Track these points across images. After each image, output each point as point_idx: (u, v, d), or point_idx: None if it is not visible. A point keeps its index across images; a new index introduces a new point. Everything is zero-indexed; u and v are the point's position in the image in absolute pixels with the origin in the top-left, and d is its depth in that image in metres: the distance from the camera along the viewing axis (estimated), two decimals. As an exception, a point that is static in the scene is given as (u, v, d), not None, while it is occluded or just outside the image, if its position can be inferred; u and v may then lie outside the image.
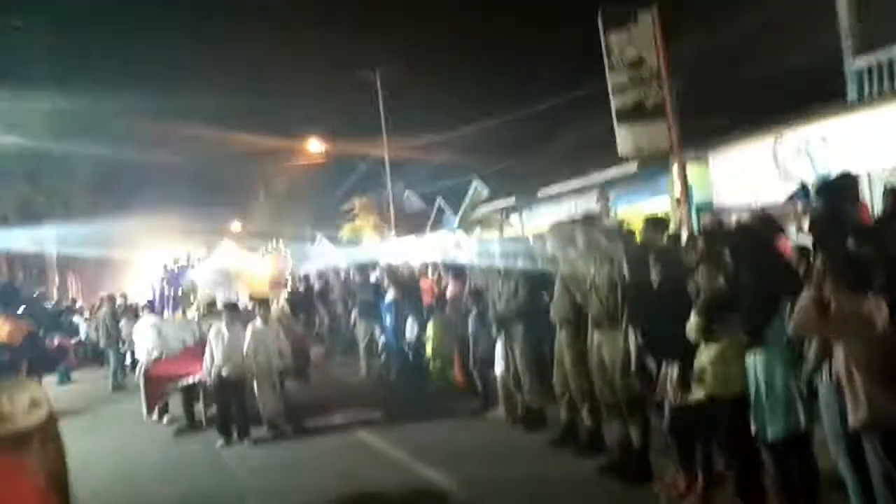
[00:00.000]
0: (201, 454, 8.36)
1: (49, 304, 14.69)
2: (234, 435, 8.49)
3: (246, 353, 8.63)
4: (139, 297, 16.07)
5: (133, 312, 13.69)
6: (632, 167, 14.07)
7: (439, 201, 25.93)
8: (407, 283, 12.54)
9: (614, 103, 12.51)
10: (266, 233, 34.72)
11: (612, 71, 12.49)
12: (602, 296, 5.85)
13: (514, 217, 19.71)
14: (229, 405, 8.54)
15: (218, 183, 37.20)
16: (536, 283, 7.94)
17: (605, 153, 14.90)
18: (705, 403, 4.74)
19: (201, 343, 9.42)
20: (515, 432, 7.75)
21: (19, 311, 7.03)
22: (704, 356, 4.68)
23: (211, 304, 10.99)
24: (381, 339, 12.57)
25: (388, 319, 12.35)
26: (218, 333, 8.67)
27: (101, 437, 9.48)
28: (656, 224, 6.55)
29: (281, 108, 34.18)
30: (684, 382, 4.91)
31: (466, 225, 22.37)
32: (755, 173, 11.94)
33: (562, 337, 6.58)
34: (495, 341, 8.36)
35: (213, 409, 9.10)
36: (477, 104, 23.58)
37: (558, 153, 18.74)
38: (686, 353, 4.84)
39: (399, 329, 11.83)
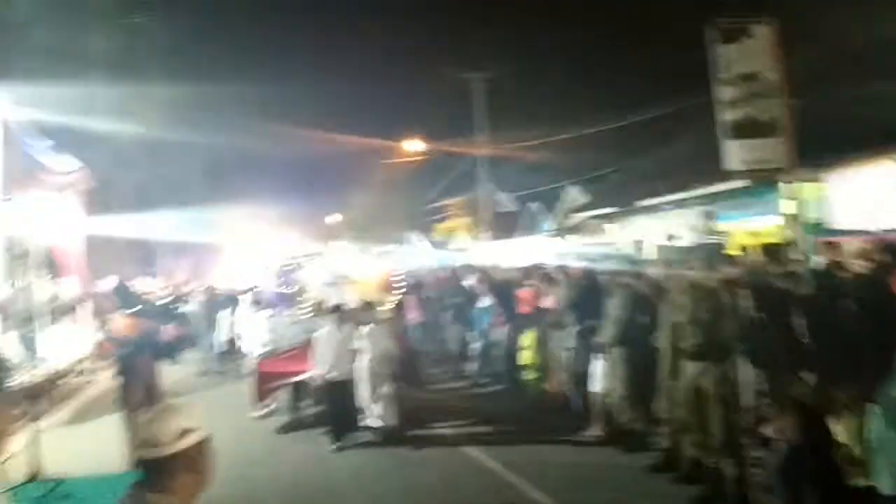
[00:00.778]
0: (304, 452, 8.48)
1: (160, 295, 15.33)
2: (340, 436, 8.54)
3: (355, 356, 8.73)
4: (241, 285, 16.74)
5: (235, 301, 14.29)
6: (738, 183, 13.64)
7: (534, 205, 25.86)
8: (503, 289, 12.58)
9: (723, 117, 12.19)
10: (361, 229, 35.59)
11: (721, 84, 12.17)
12: (710, 326, 5.74)
13: (610, 226, 19.43)
14: (336, 406, 8.63)
15: (318, 178, 38.21)
16: (642, 304, 7.88)
17: (709, 167, 14.54)
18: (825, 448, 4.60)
19: (311, 342, 9.54)
20: (611, 452, 7.68)
21: (134, 308, 7.41)
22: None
23: (321, 304, 11.20)
24: (474, 345, 12.66)
25: (481, 325, 12.45)
26: (328, 334, 8.79)
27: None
28: (774, 252, 6.39)
29: (382, 107, 34.81)
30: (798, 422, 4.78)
31: (561, 231, 22.23)
32: (875, 196, 11.37)
33: (668, 364, 6.49)
34: (595, 358, 8.32)
35: (319, 409, 9.25)
36: (577, 110, 23.34)
37: (660, 164, 18.35)
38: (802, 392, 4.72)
39: (492, 335, 11.91)
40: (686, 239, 13.34)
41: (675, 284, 6.50)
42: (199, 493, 2.34)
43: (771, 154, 11.92)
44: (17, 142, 12.25)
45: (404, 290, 15.45)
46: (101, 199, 18.52)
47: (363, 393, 8.74)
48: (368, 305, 9.52)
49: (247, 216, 33.01)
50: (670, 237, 12.75)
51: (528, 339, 11.08)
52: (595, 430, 8.21)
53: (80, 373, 13.74)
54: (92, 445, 7.93)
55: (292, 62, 37.45)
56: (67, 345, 13.94)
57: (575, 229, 21.13)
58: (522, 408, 10.14)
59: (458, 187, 30.83)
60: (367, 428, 8.71)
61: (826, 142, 12.40)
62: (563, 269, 11.60)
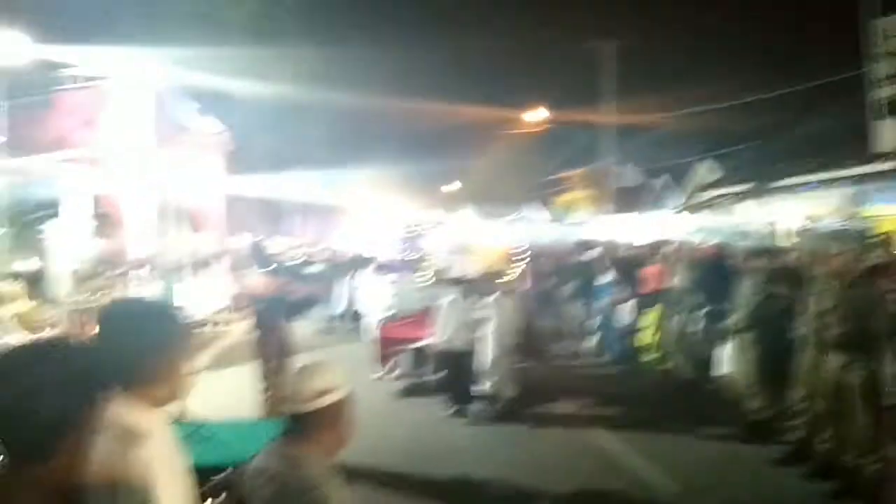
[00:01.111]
0: (421, 416, 8.62)
1: (292, 255, 15.96)
2: (457, 404, 8.55)
3: (477, 326, 8.67)
4: (365, 249, 17.22)
5: (359, 264, 14.72)
6: (890, 164, 12.64)
7: (660, 180, 25.01)
8: (625, 266, 12.27)
9: (876, 95, 11.29)
10: (479, 199, 35.66)
11: (875, 60, 11.24)
12: (858, 317, 5.37)
13: (745, 205, 18.49)
14: (455, 375, 8.62)
15: (438, 146, 38.55)
16: (777, 288, 7.49)
17: (857, 147, 13.56)
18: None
19: (433, 308, 9.56)
20: (737, 441, 7.37)
21: (270, 268, 7.71)
22: None
23: (443, 272, 11.30)
24: (594, 322, 12.47)
25: (603, 301, 12.22)
26: (451, 303, 8.75)
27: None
28: None
29: (509, 76, 34.54)
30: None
31: (689, 208, 21.38)
32: None
33: (809, 354, 6.13)
34: (723, 342, 8.01)
35: (438, 376, 9.24)
36: (714, 82, 22.24)
37: (804, 142, 17.24)
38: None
39: (612, 314, 11.67)
40: (828, 223, 12.51)
41: (819, 270, 6.09)
42: (340, 449, 2.44)
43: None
44: (167, 104, 13.09)
45: (526, 262, 15.31)
46: (237, 161, 19.51)
47: (483, 363, 8.65)
48: (491, 276, 9.40)
49: (369, 181, 33.89)
50: (810, 219, 11.99)
51: (649, 318, 10.81)
52: (722, 416, 7.91)
53: (216, 323, 14.65)
54: (228, 393, 8.44)
55: (420, 30, 37.68)
56: (205, 297, 14.88)
57: (704, 206, 20.25)
58: (642, 389, 9.89)
59: (579, 159, 30.25)
60: (485, 398, 8.63)
61: None
62: (690, 247, 11.18)
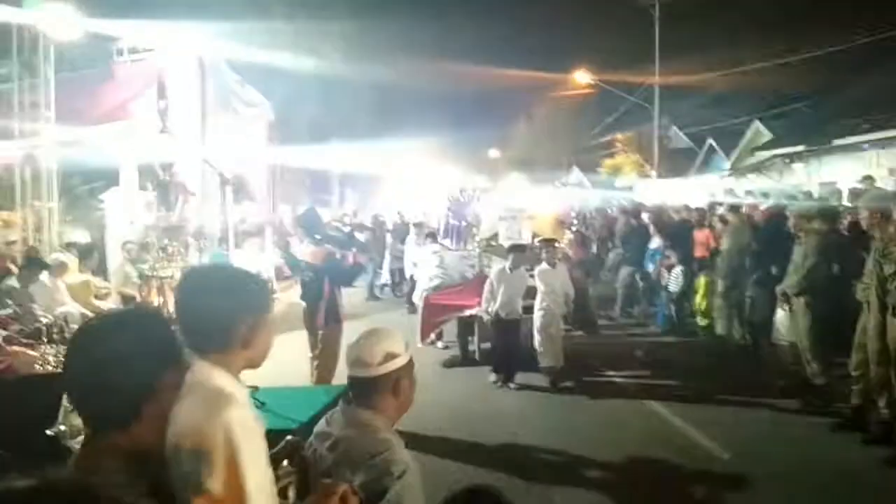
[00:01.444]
0: (469, 384, 8.58)
1: (339, 224, 16.08)
2: (506, 373, 8.41)
3: (527, 294, 8.54)
4: (410, 217, 17.26)
5: (405, 232, 14.77)
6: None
7: (710, 141, 24.44)
8: (676, 230, 12.09)
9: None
10: (524, 161, 35.30)
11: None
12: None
13: (798, 167, 17.98)
14: (504, 344, 8.46)
15: (481, 111, 38.26)
16: (832, 252, 7.30)
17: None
18: None
19: (481, 277, 9.47)
20: (793, 406, 7.24)
21: (319, 236, 7.73)
22: None
23: (492, 239, 11.13)
24: (642, 286, 12.34)
25: (651, 266, 12.08)
26: (501, 272, 8.50)
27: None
28: None
29: (551, 38, 33.94)
30: None
31: (742, 170, 20.86)
32: None
33: (867, 319, 5.97)
34: (779, 307, 7.85)
35: (486, 345, 9.13)
36: (763, 40, 21.56)
37: (859, 99, 16.61)
38: None
39: (663, 279, 11.53)
40: (884, 184, 12.09)
41: (880, 233, 5.89)
42: (402, 413, 2.46)
43: None
44: (212, 75, 13.20)
45: (578, 227, 15.06)
46: (281, 132, 19.65)
47: (534, 333, 8.53)
48: (545, 242, 9.11)
49: (412, 149, 33.86)
50: (867, 179, 11.59)
51: (699, 284, 10.65)
52: (776, 383, 7.79)
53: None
54: (280, 359, 8.59)
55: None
56: (253, 265, 15.12)
57: (758, 168, 19.74)
58: (692, 356, 9.77)
59: (627, 122, 29.69)
60: (535, 367, 8.53)
61: None
62: (741, 211, 10.92)
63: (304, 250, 7.62)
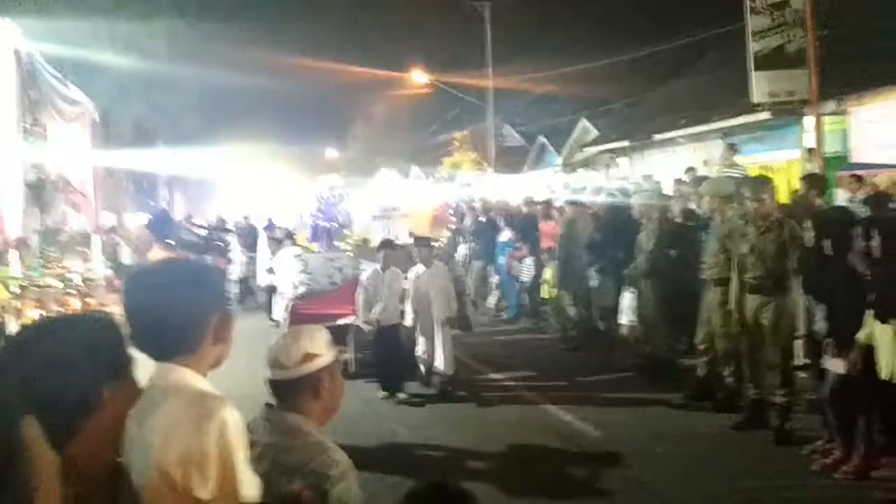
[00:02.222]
0: (352, 403, 8.01)
1: (197, 226, 15.02)
2: (390, 384, 7.79)
3: (405, 299, 7.97)
4: (258, 220, 16.60)
5: (252, 236, 14.20)
6: (761, 116, 13.45)
7: (541, 139, 25.58)
8: (524, 223, 12.54)
9: (752, 48, 11.96)
10: (362, 162, 35.18)
11: (753, 13, 11.90)
12: (768, 260, 5.73)
13: (623, 161, 19.27)
14: (386, 352, 7.88)
15: (318, 111, 37.67)
16: (672, 237, 7.88)
17: (729, 100, 14.33)
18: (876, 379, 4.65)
19: (351, 282, 8.80)
20: (641, 382, 7.76)
21: (171, 241, 7.26)
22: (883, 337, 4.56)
23: (366, 240, 10.45)
24: (495, 279, 12.70)
25: (501, 259, 12.47)
26: (374, 275, 7.90)
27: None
28: (813, 183, 6.36)
29: (386, 38, 34.03)
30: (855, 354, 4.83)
31: (571, 165, 22.03)
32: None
33: (712, 296, 6.50)
34: (625, 291, 8.37)
35: (366, 354, 8.53)
36: (588, 41, 22.89)
37: (676, 97, 18.11)
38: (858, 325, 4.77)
39: (513, 270, 11.94)
40: (708, 173, 13.23)
41: (721, 216, 6.45)
42: (330, 416, 2.35)
43: (796, 86, 11.74)
44: (30, 73, 12.01)
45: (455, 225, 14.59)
46: (102, 133, 18.27)
47: (416, 338, 8.02)
48: (421, 241, 8.55)
49: (244, 151, 32.72)
50: (690, 171, 12.62)
51: (549, 272, 11.11)
52: (628, 361, 8.29)
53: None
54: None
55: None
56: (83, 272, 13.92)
57: (586, 163, 20.94)
58: (554, 343, 10.17)
59: (463, 120, 30.41)
60: (421, 375, 8.05)
61: (850, 75, 12.20)
62: (578, 203, 11.49)
63: (155, 257, 7.13)
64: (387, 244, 8.41)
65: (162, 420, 1.65)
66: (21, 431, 1.15)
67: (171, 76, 28.64)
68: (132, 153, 30.48)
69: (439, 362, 7.87)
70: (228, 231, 15.79)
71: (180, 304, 1.81)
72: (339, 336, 7.93)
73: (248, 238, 14.77)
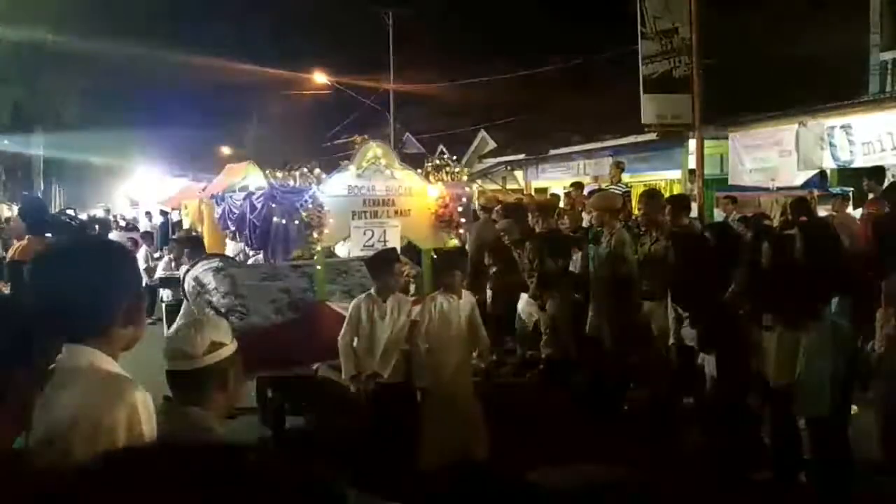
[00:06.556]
0: None
1: (71, 217, 14.05)
2: None
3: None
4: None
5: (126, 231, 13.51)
6: (648, 136, 14.17)
7: (441, 147, 25.84)
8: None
9: (643, 71, 12.58)
10: (255, 160, 34.39)
11: (645, 39, 12.53)
12: (652, 269, 6.08)
13: (519, 174, 19.77)
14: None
15: (212, 107, 36.62)
16: (555, 247, 8.14)
17: (619, 120, 15.02)
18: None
19: (310, 310, 6.70)
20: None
21: (47, 232, 6.82)
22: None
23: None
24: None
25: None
26: (367, 300, 5.04)
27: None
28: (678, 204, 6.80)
29: (287, 38, 33.52)
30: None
31: (471, 176, 22.31)
32: (773, 156, 12.07)
33: (600, 304, 6.67)
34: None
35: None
36: (489, 56, 23.39)
37: (570, 114, 18.78)
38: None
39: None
40: (594, 188, 13.78)
41: (609, 228, 6.70)
42: (229, 410, 2.30)
43: (681, 110, 12.43)
44: None
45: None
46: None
47: None
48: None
49: (132, 141, 31.37)
50: (575, 185, 13.14)
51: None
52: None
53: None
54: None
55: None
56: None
57: (485, 174, 21.30)
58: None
59: (364, 125, 30.30)
60: None
61: (733, 102, 13.05)
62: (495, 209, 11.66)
63: (27, 248, 6.64)
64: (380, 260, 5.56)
65: (70, 400, 1.62)
66: None
67: (55, 58, 27.15)
68: (10, 138, 28.64)
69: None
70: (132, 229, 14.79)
71: (86, 287, 1.76)
72: (280, 390, 5.81)
73: (148, 238, 13.55)
